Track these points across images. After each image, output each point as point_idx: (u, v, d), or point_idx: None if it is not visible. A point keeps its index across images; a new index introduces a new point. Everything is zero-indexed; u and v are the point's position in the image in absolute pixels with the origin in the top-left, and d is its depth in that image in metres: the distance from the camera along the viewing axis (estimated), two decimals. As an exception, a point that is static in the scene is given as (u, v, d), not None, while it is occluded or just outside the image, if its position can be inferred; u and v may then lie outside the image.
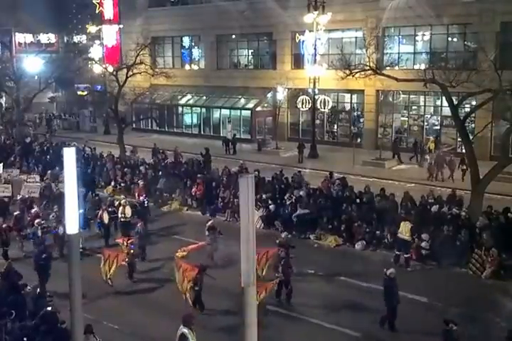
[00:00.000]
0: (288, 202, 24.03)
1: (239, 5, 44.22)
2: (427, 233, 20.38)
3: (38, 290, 15.78)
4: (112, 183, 30.05)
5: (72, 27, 64.76)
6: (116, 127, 37.89)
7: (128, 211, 22.90)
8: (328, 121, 43.66)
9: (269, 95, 44.31)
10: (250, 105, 45.13)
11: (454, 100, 23.55)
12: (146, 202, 25.05)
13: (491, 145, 34.85)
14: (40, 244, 19.15)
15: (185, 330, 12.87)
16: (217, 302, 16.67)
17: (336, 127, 43.61)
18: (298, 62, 43.18)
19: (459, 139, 31.87)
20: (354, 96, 42.06)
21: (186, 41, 52.00)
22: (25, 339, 13.82)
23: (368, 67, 25.70)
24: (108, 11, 52.01)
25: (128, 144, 37.08)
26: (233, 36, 47.48)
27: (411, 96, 39.22)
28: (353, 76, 26.04)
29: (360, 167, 34.18)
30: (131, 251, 18.97)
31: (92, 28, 55.20)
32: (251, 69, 47.48)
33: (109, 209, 23.01)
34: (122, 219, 22.90)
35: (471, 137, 25.10)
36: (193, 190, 27.30)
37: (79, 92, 57.78)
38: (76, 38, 65.19)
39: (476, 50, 33.76)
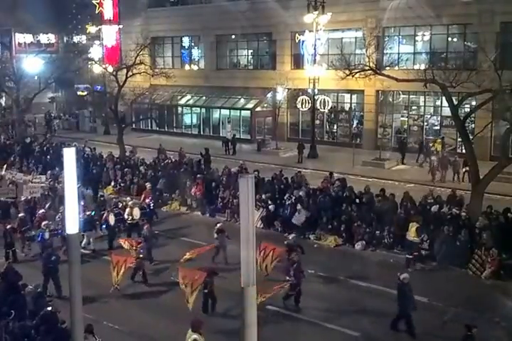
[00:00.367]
0: (288, 203, 24.03)
1: (239, 5, 44.20)
2: (426, 233, 20.36)
3: (39, 290, 15.77)
4: (112, 183, 30.09)
5: (72, 27, 64.66)
6: (116, 127, 37.87)
7: (136, 213, 22.83)
8: (327, 121, 43.65)
9: (268, 95, 44.29)
10: (250, 105, 45.13)
11: (454, 100, 23.53)
12: (152, 205, 25.03)
13: (491, 145, 34.82)
14: (49, 247, 18.90)
15: (196, 336, 12.88)
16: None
17: (335, 127, 43.58)
18: (298, 62, 43.18)
19: (459, 139, 31.88)
20: (354, 97, 42.05)
21: (186, 41, 51.98)
22: (25, 339, 13.84)
23: (368, 67, 25.68)
24: (108, 11, 52.00)
25: (128, 144, 37.07)
26: (233, 36, 47.47)
27: (411, 96, 39.22)
28: (352, 76, 26.02)
29: (360, 167, 34.17)
30: (140, 255, 18.72)
31: (91, 28, 55.21)
32: (251, 69, 47.47)
33: (115, 211, 22.79)
34: (130, 221, 22.81)
35: (471, 137, 25.07)
36: (193, 190, 27.29)
37: (79, 92, 57.79)
38: (76, 38, 65.12)
39: (476, 50, 33.78)
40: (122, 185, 29.93)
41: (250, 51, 47.94)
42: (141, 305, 17.32)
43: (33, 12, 51.76)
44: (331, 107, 40.29)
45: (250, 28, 44.20)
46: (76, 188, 7.19)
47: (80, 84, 56.34)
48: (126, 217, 22.85)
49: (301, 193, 24.37)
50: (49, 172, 29.44)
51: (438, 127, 38.70)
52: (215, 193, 26.78)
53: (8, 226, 21.07)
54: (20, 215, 22.30)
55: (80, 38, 63.41)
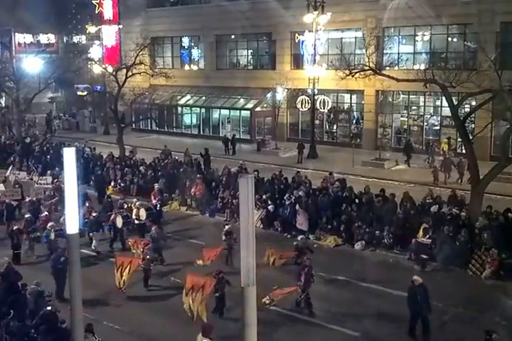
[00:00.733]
0: (287, 203, 24.03)
1: (239, 5, 44.19)
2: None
3: (39, 288, 15.72)
4: (112, 183, 30.07)
5: (71, 27, 64.60)
6: (116, 127, 37.88)
7: (142, 213, 22.76)
8: (327, 121, 43.65)
9: (268, 95, 44.28)
10: (250, 105, 45.12)
11: (454, 100, 23.52)
12: (158, 206, 24.94)
13: (491, 145, 34.82)
14: (57, 249, 18.74)
15: None
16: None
17: (335, 127, 43.58)
18: (297, 62, 43.18)
19: (459, 139, 31.86)
20: (354, 97, 42.04)
21: (186, 41, 52.00)
22: (25, 338, 13.85)
23: (368, 67, 25.67)
24: (107, 11, 52.03)
25: (128, 144, 37.07)
26: (233, 36, 47.47)
27: (411, 96, 39.22)
28: (352, 76, 26.01)
29: (360, 167, 34.16)
30: (147, 256, 18.52)
31: (91, 29, 55.18)
32: (250, 69, 47.47)
33: (123, 214, 22.60)
34: (137, 222, 22.72)
35: (470, 137, 25.06)
36: (193, 190, 27.30)
37: (78, 92, 57.73)
38: (76, 38, 65.09)
39: (476, 50, 33.77)
40: (122, 185, 29.93)
41: (250, 51, 47.94)
42: (142, 305, 17.33)
43: (33, 12, 51.72)
44: (331, 107, 40.31)
45: (250, 28, 44.20)
46: (76, 188, 7.19)
47: (80, 84, 56.28)
48: (133, 218, 22.74)
49: (300, 193, 24.38)
50: (49, 172, 29.43)
51: (438, 127, 38.69)
52: (214, 193, 26.77)
53: (15, 228, 20.94)
54: (26, 216, 22.14)
55: (79, 38, 63.38)
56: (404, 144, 37.22)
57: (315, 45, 38.06)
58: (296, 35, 41.27)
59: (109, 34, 52.63)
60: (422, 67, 33.84)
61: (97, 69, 47.69)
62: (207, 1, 48.42)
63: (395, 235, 21.52)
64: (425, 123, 39.29)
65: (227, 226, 20.46)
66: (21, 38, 62.33)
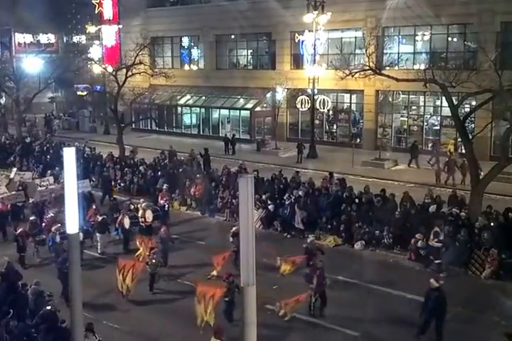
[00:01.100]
0: (287, 203, 24.03)
1: (238, 5, 44.18)
2: (421, 232, 20.33)
3: (39, 288, 15.71)
4: (112, 183, 30.06)
5: (71, 27, 64.74)
6: (116, 127, 37.88)
7: (149, 214, 22.62)
8: (327, 121, 43.66)
9: (268, 95, 44.26)
10: (249, 105, 45.13)
11: (454, 100, 23.51)
12: (166, 206, 24.83)
13: (490, 145, 34.83)
14: (63, 252, 18.36)
15: None
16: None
17: (335, 127, 43.58)
18: (297, 62, 43.18)
19: (459, 139, 31.82)
20: (353, 97, 42.04)
21: (185, 41, 52.02)
22: (25, 338, 13.86)
23: (368, 67, 25.68)
24: (107, 11, 52.06)
25: (128, 144, 37.08)
26: (232, 36, 47.47)
27: (411, 96, 39.22)
28: (352, 76, 26.01)
29: (360, 167, 34.15)
30: (153, 260, 18.19)
31: (91, 28, 55.26)
32: (250, 69, 47.47)
33: (130, 215, 22.38)
34: (143, 223, 22.58)
35: (470, 137, 25.07)
36: (192, 190, 27.31)
37: (78, 92, 57.73)
38: (75, 38, 65.19)
39: (476, 50, 33.74)
40: (122, 185, 29.93)
41: (250, 51, 47.94)
42: (142, 305, 17.34)
43: (33, 12, 51.79)
44: (331, 107, 40.29)
45: (250, 28, 44.19)
46: (76, 188, 7.20)
47: (80, 84, 56.29)
48: (140, 219, 22.58)
49: (300, 193, 24.39)
50: (49, 171, 29.41)
51: (438, 127, 38.69)
52: (214, 193, 26.78)
53: (20, 230, 20.81)
54: (31, 218, 21.91)
55: (79, 38, 63.50)
56: (410, 145, 36.61)
57: (315, 45, 38.06)
58: (296, 34, 41.27)
59: (109, 34, 52.65)
60: (422, 66, 33.79)
61: (96, 69, 47.69)
62: (207, 1, 48.43)
63: (394, 235, 21.52)
64: (425, 123, 39.29)
65: (234, 228, 20.00)
66: (21, 37, 62.42)
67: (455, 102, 23.40)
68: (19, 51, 58.51)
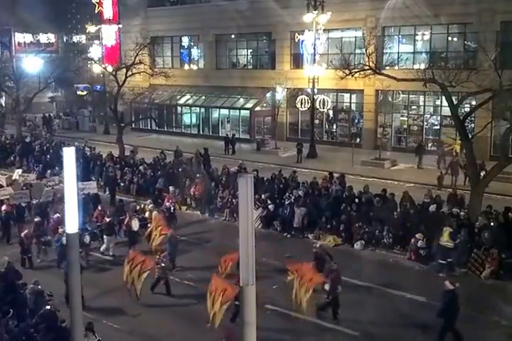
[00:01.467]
0: (287, 202, 24.03)
1: (238, 4, 44.18)
2: (424, 232, 20.34)
3: (39, 287, 15.71)
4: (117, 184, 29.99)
5: (71, 27, 64.84)
6: (116, 127, 37.88)
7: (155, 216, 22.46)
8: (327, 120, 43.66)
9: (268, 95, 44.29)
10: (249, 105, 45.12)
11: (454, 100, 23.51)
12: (172, 209, 24.75)
13: (490, 145, 34.82)
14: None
15: None
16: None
17: (335, 127, 43.57)
18: (297, 61, 43.17)
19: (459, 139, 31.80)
20: (353, 96, 42.03)
21: (185, 41, 52.01)
22: (25, 337, 13.85)
23: (368, 67, 25.67)
24: (107, 10, 52.05)
25: (127, 144, 37.07)
26: (232, 36, 47.47)
27: (410, 96, 39.20)
28: (352, 76, 26.00)
29: (360, 167, 34.15)
30: (162, 264, 17.83)
31: (91, 28, 55.29)
32: (250, 69, 47.47)
33: (139, 217, 22.16)
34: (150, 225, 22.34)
35: (470, 137, 25.07)
36: (192, 189, 27.31)
37: (78, 92, 57.80)
38: (75, 38, 65.27)
39: (476, 49, 33.77)
40: (122, 184, 29.91)
41: (250, 51, 47.94)
42: (142, 305, 17.32)
43: (33, 12, 51.83)
44: (331, 107, 40.26)
45: (250, 28, 44.21)
46: (76, 188, 7.19)
47: (80, 83, 56.35)
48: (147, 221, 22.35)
49: (300, 193, 24.39)
50: (49, 171, 29.39)
51: (438, 127, 38.68)
52: (214, 193, 26.78)
53: (26, 232, 20.65)
54: (36, 220, 21.74)
55: (79, 38, 63.57)
56: (416, 145, 36.24)
57: (315, 45, 38.04)
58: (296, 34, 41.26)
59: (109, 34, 52.64)
60: (422, 66, 33.80)
61: (96, 68, 47.72)
62: (206, 1, 48.45)
63: (394, 235, 21.52)
64: (425, 123, 39.28)
65: None
66: (21, 37, 62.47)
67: (455, 102, 23.40)
68: (19, 51, 58.54)
